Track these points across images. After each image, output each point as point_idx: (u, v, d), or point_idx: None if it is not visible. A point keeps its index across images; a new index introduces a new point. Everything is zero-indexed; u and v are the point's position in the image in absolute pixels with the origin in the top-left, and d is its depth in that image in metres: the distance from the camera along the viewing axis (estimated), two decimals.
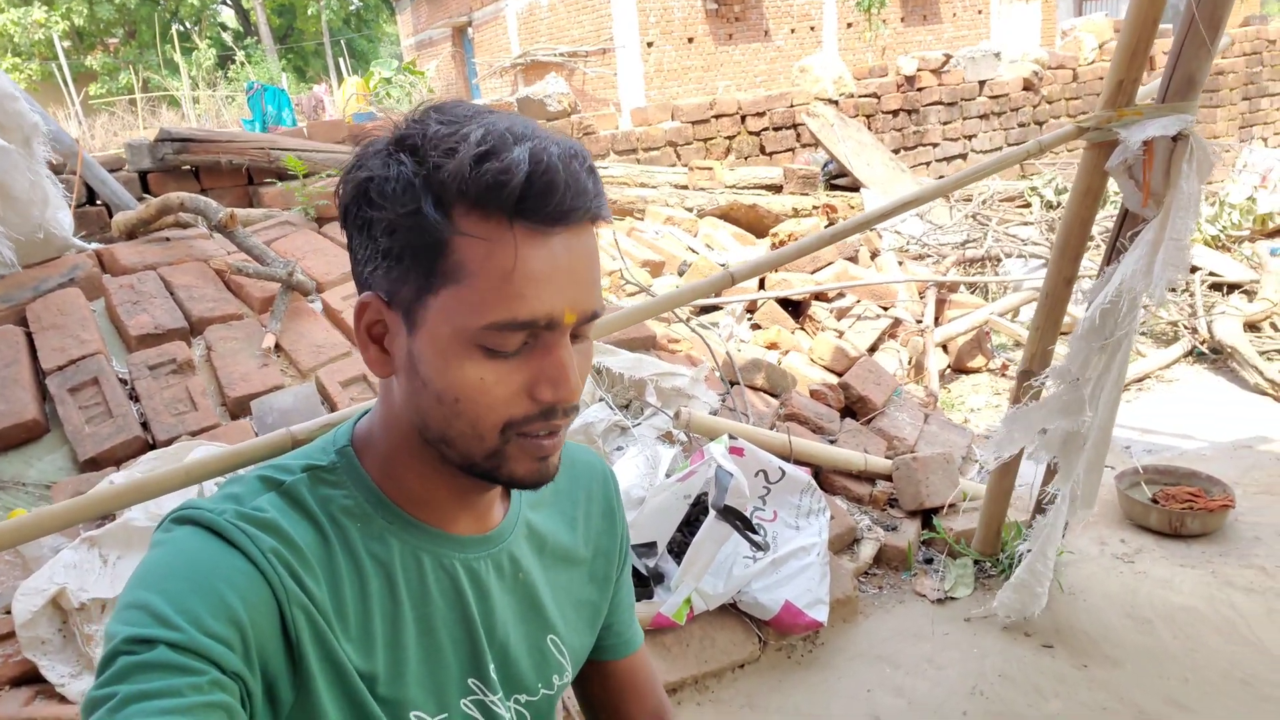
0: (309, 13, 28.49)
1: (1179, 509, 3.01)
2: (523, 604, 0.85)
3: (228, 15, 32.52)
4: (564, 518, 0.91)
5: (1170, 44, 2.00)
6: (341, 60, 24.88)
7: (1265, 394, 4.19)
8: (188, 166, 4.40)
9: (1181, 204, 1.91)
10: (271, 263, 3.29)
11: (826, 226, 5.20)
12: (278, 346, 3.16)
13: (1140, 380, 4.61)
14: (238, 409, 2.91)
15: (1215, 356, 4.63)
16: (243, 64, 21.42)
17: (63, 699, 2.01)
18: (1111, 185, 2.26)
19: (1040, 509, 2.73)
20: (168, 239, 3.68)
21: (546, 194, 0.64)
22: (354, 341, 3.33)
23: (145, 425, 2.78)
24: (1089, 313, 2.06)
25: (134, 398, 2.88)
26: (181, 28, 27.02)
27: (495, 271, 0.66)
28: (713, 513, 2.33)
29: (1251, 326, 4.82)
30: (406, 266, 0.68)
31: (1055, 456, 2.28)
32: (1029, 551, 2.41)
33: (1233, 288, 5.31)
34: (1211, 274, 5.33)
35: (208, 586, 0.63)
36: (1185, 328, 4.84)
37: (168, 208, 3.54)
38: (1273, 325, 4.90)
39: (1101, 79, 8.27)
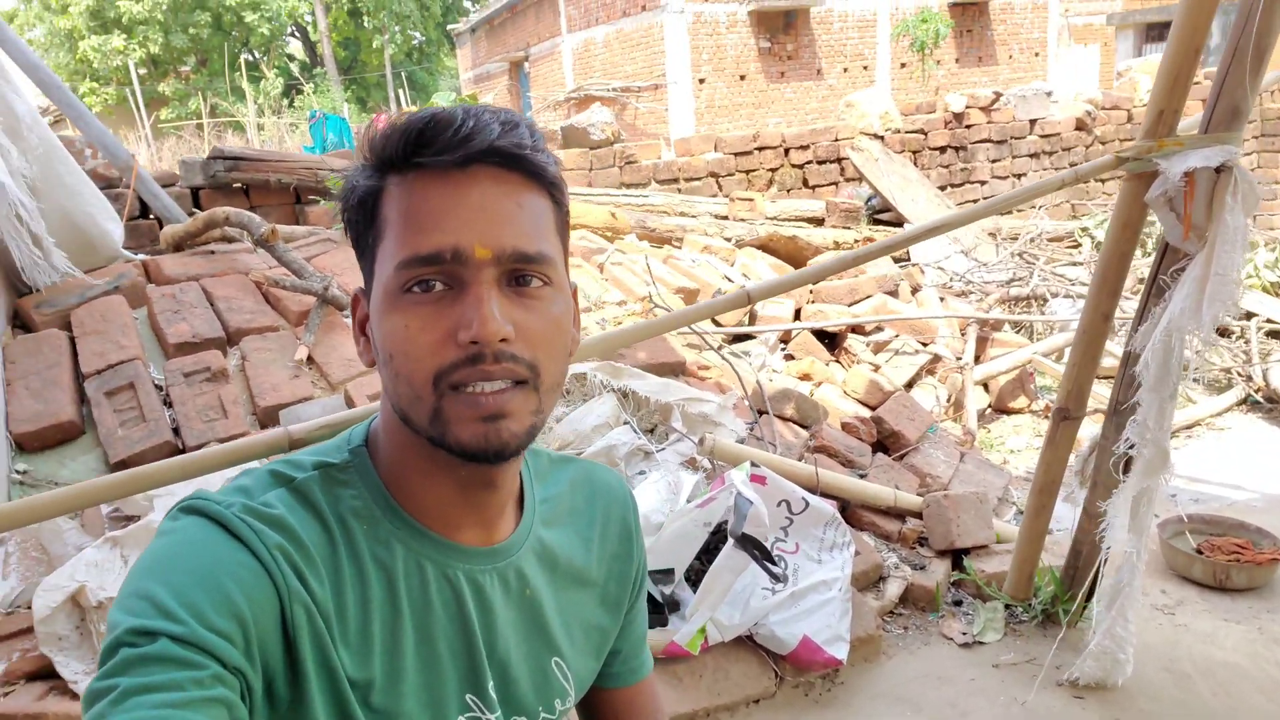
0: (373, 46, 29.40)
1: (1225, 560, 2.88)
2: (528, 622, 0.82)
3: (295, 46, 33.71)
4: (579, 537, 0.88)
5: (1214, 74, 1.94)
6: (401, 92, 25.57)
7: None
8: (238, 184, 4.52)
9: (1227, 238, 1.84)
10: (309, 277, 3.34)
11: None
12: (310, 359, 3.20)
13: (1190, 427, 4.44)
14: (267, 418, 2.95)
15: (1271, 406, 4.46)
16: (308, 93, 22.13)
17: (75, 696, 2.03)
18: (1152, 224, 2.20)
19: (1076, 551, 2.63)
20: (212, 252, 3.78)
21: (438, 132, 0.67)
22: None
23: (176, 431, 2.83)
24: (1150, 360, 1.98)
25: (168, 404, 2.93)
26: (251, 57, 28.06)
27: (402, 213, 0.69)
28: (731, 540, 2.29)
29: None
30: (361, 246, 0.73)
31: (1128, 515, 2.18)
32: (1106, 614, 2.29)
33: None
34: (1269, 320, 5.14)
35: (211, 580, 0.63)
36: (1240, 375, 4.67)
37: (214, 222, 3.63)
38: None
39: None
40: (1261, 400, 4.51)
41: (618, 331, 1.40)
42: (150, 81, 24.75)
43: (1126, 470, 2.39)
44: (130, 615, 0.60)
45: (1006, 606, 2.76)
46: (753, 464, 2.58)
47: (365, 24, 28.55)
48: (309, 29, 30.54)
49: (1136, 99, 8.10)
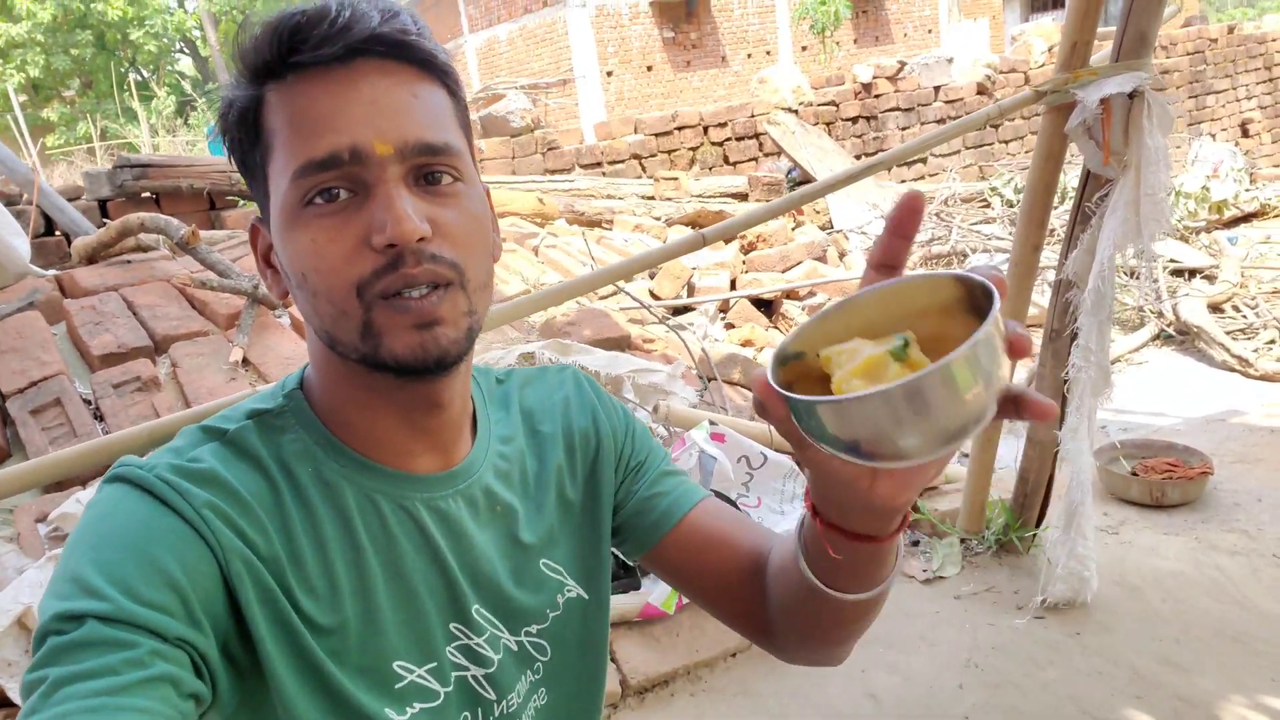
0: None
1: (1159, 479, 3.03)
2: (505, 537, 0.79)
3: (186, 63, 32.46)
4: (540, 437, 0.85)
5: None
6: None
7: (1233, 370, 4.25)
8: (147, 193, 4.34)
9: (1150, 159, 1.93)
10: (236, 277, 3.24)
11: (793, 229, 5.24)
12: (245, 360, 3.10)
13: (1112, 364, 4.65)
14: None
15: (1182, 338, 4.70)
16: (203, 110, 21.34)
17: None
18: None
19: (1024, 479, 2.73)
20: (129, 261, 3.62)
21: (312, 25, 0.62)
22: None
23: None
24: (1092, 285, 2.06)
25: (99, 417, 2.81)
26: (139, 76, 26.92)
27: (289, 120, 0.63)
28: None
29: (1215, 308, 4.90)
30: (249, 169, 0.67)
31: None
32: (1066, 535, 2.37)
33: (1193, 273, 5.41)
34: (1172, 260, 5.43)
35: (139, 550, 0.59)
36: (1151, 312, 4.91)
37: (128, 229, 3.48)
38: (1234, 307, 4.99)
39: None
40: (1173, 334, 4.75)
41: (573, 282, 1.39)
42: (32, 108, 23.53)
43: (1064, 398, 2.50)
44: (57, 599, 0.57)
45: (962, 540, 2.85)
46: (711, 422, 2.61)
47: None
48: (198, 44, 29.45)
49: (1032, 61, 8.43)
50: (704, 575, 0.86)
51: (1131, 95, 2.00)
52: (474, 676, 0.75)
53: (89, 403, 2.86)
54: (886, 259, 0.56)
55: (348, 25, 0.62)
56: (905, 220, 0.55)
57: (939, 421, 0.45)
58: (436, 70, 0.68)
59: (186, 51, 31.25)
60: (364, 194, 0.63)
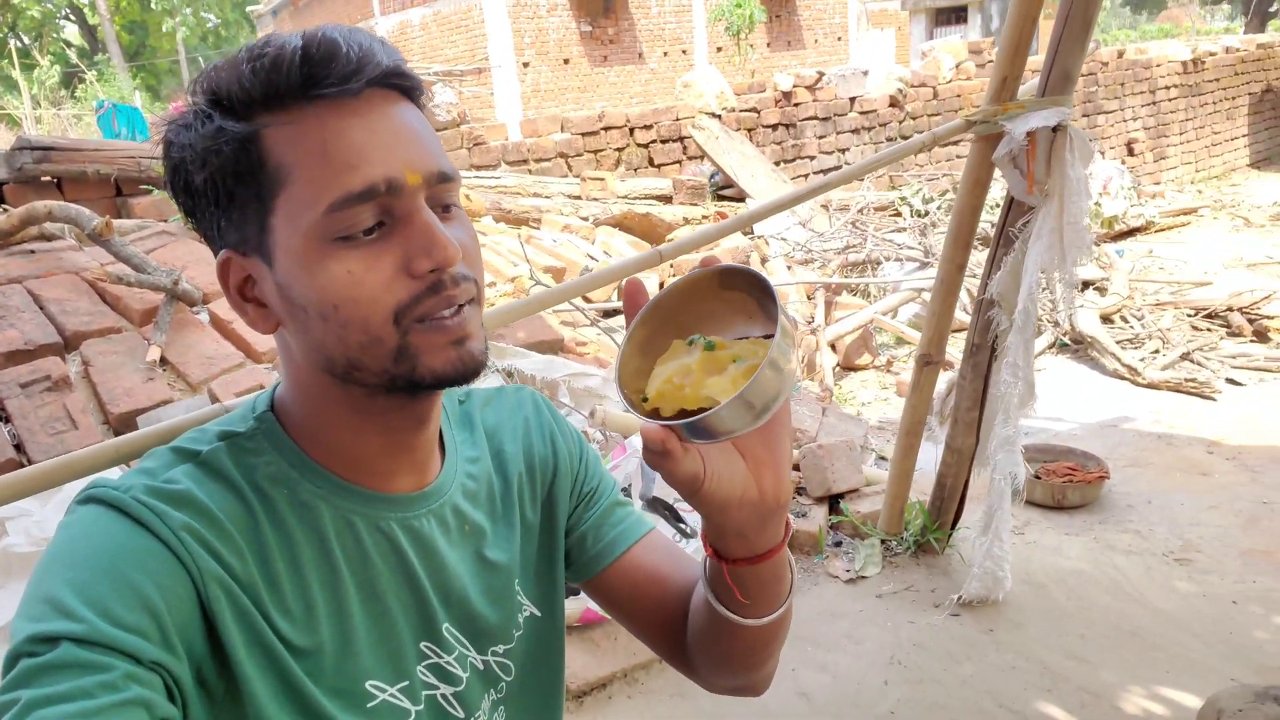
0: (163, 29, 27.10)
1: (1060, 482, 3.23)
2: (475, 556, 0.80)
3: (71, 32, 30.55)
4: (501, 456, 0.87)
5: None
6: None
7: (1123, 378, 4.56)
8: (48, 177, 4.10)
9: (1072, 190, 2.06)
10: (154, 272, 3.10)
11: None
12: (164, 359, 2.98)
13: None
14: (123, 426, 2.73)
15: (1078, 346, 5.00)
16: (90, 82, 20.14)
17: None
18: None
19: (941, 484, 2.87)
20: (32, 251, 3.42)
21: (330, 58, 0.63)
22: (248, 353, 3.19)
23: (19, 447, 2.57)
24: (1021, 306, 2.19)
25: (5, 419, 2.66)
26: (20, 43, 25.18)
27: (312, 153, 0.63)
28: (639, 504, 2.35)
29: (1105, 319, 5.23)
30: (239, 201, 0.65)
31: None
32: (983, 537, 2.50)
33: (1086, 285, 5.75)
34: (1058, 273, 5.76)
35: (114, 572, 0.58)
36: (1049, 322, 5.20)
37: (33, 217, 3.29)
38: (1123, 318, 5.34)
39: (959, 96, 8.84)
40: (1069, 342, 5.05)
41: (557, 289, 1.41)
42: None
43: (982, 408, 2.65)
44: (30, 621, 0.56)
45: (882, 541, 2.98)
46: None
47: (153, 5, 26.24)
48: (86, 12, 27.75)
49: (940, 76, 8.78)
50: (640, 607, 0.90)
51: (1055, 129, 2.13)
52: (443, 695, 0.77)
53: None
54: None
55: (362, 60, 0.64)
56: (630, 306, 0.68)
57: (770, 397, 0.58)
58: (418, 96, 0.70)
59: (73, 19, 29.40)
60: (392, 223, 0.65)
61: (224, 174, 0.64)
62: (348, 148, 0.63)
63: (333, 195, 0.62)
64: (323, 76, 0.63)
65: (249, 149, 0.63)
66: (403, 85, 0.68)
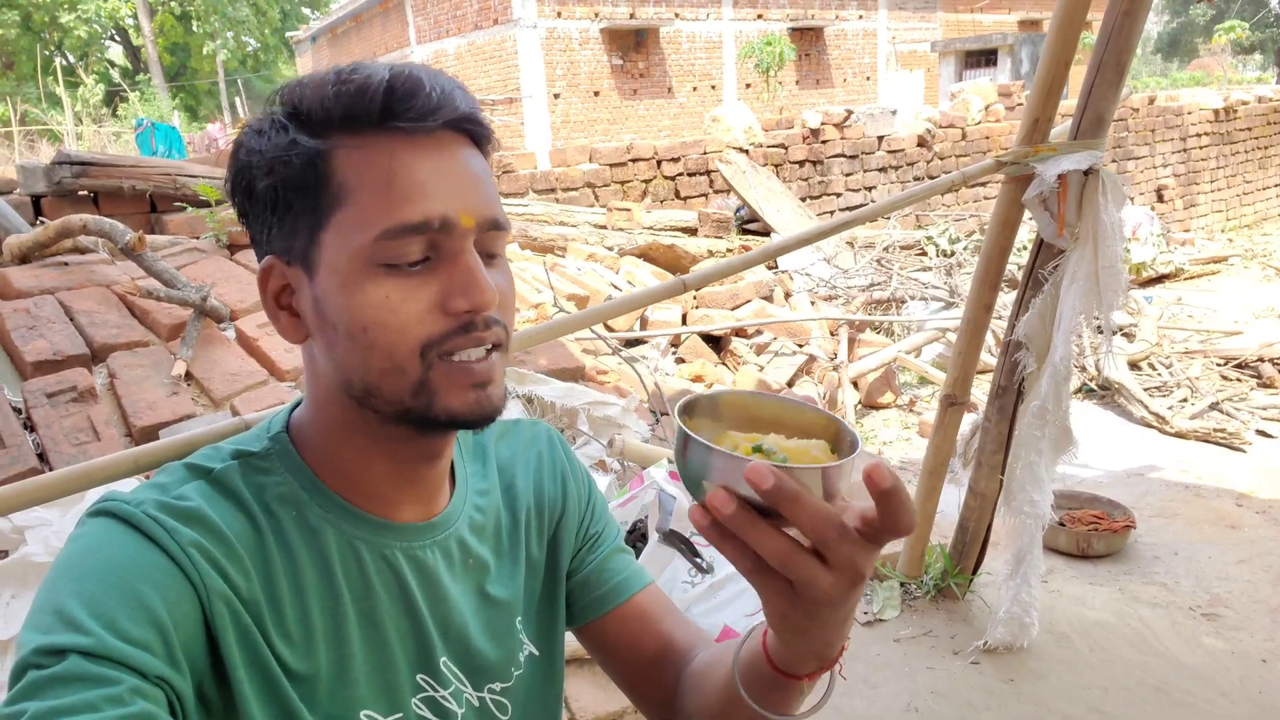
0: (204, 52, 27.75)
1: (1085, 530, 3.17)
2: (477, 591, 0.80)
3: (116, 52, 31.35)
4: (511, 492, 0.87)
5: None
6: (239, 100, 24.28)
7: (1150, 426, 4.49)
8: (85, 191, 4.17)
9: (1105, 234, 2.04)
10: (183, 287, 3.14)
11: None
12: (189, 375, 3.01)
13: None
14: (145, 439, 2.75)
15: (1104, 392, 4.94)
16: (133, 101, 20.61)
17: None
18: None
19: (963, 528, 2.83)
20: (66, 263, 3.48)
21: (412, 94, 0.65)
22: (271, 370, 3.21)
23: (42, 456, 2.59)
24: (1061, 351, 2.16)
25: (30, 427, 2.68)
26: (66, 61, 25.87)
27: (377, 180, 0.65)
28: (655, 536, 2.32)
29: (1133, 365, 5.16)
30: (295, 211, 0.67)
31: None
32: (1011, 581, 2.45)
33: (1114, 330, 5.69)
34: (1095, 317, 5.70)
35: (123, 585, 0.59)
36: (1076, 366, 5.14)
37: (68, 230, 3.35)
38: (1151, 365, 5.27)
39: (987, 138, 8.83)
40: (1095, 388, 4.99)
41: (559, 321, 1.41)
42: None
43: (1007, 451, 2.61)
44: (38, 633, 0.56)
45: (901, 584, 2.93)
46: (669, 460, 2.63)
47: (195, 28, 26.89)
48: (131, 33, 28.48)
49: (969, 118, 8.79)
50: (631, 657, 0.90)
51: (1087, 172, 2.12)
52: None
53: (19, 411, 2.73)
54: None
55: (442, 100, 0.66)
56: None
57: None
58: (487, 146, 0.72)
59: (118, 39, 30.18)
60: (438, 259, 0.67)
61: (287, 184, 0.66)
62: (411, 180, 0.65)
63: (388, 222, 0.64)
64: (402, 110, 0.65)
65: (316, 164, 0.65)
66: (474, 132, 0.70)
